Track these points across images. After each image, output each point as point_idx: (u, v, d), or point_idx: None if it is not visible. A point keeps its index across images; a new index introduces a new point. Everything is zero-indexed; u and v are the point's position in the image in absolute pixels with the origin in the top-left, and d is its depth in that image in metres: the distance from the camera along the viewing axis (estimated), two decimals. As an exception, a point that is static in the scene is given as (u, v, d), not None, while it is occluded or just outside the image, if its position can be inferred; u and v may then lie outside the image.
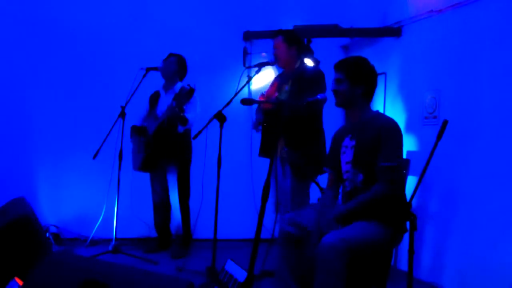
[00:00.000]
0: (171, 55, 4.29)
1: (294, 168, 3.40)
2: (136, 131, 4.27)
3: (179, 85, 4.26)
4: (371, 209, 2.44)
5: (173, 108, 3.89)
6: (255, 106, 3.69)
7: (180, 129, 4.11)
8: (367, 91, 2.60)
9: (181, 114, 3.97)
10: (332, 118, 3.66)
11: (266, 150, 3.59)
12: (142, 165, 4.20)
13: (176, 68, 4.26)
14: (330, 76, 2.74)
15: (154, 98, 4.34)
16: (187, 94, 3.84)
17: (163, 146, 4.11)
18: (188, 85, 3.95)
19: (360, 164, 2.54)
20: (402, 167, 2.54)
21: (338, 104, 2.66)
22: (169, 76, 4.26)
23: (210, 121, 3.29)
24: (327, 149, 2.93)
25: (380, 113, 2.67)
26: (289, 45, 3.52)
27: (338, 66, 2.63)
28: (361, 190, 2.52)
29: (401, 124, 4.01)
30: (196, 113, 4.16)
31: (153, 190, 4.44)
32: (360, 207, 2.45)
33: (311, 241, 2.45)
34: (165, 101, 4.21)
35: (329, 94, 2.78)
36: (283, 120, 3.28)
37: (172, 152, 4.17)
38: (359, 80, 2.57)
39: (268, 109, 3.48)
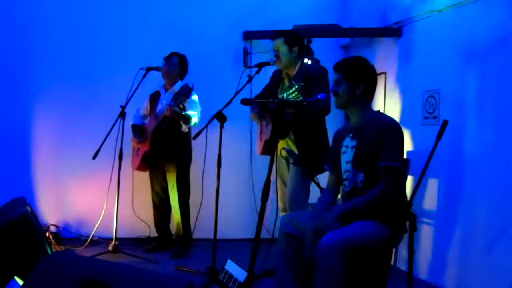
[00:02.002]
0: (173, 54, 4.27)
1: (295, 166, 3.40)
2: (136, 130, 4.27)
3: (179, 84, 4.26)
4: (371, 209, 2.44)
5: (171, 107, 3.90)
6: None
7: (184, 128, 4.10)
8: (367, 91, 2.59)
9: (183, 113, 3.97)
10: (333, 118, 3.67)
11: (267, 147, 3.59)
12: (140, 165, 4.20)
13: (177, 68, 4.25)
14: (331, 76, 2.74)
15: (154, 98, 4.34)
16: (185, 93, 3.83)
17: (162, 145, 4.11)
18: (186, 84, 3.94)
19: (361, 164, 2.55)
20: (403, 168, 2.55)
21: (337, 106, 2.65)
22: (170, 77, 4.25)
23: (210, 121, 3.29)
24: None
25: (381, 113, 2.68)
26: (290, 46, 3.52)
27: (337, 67, 2.63)
28: (361, 190, 2.52)
29: (401, 124, 4.01)
30: (197, 111, 4.15)
31: (153, 190, 4.44)
32: (362, 206, 2.45)
33: (308, 242, 2.45)
34: (164, 101, 4.21)
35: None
36: (283, 120, 3.28)
37: (172, 151, 4.17)
38: (358, 80, 2.57)
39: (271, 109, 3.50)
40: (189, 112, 4.05)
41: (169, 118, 4.02)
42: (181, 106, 3.94)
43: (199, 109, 4.17)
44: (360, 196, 2.49)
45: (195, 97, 4.16)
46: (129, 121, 4.26)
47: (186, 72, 4.33)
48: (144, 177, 4.44)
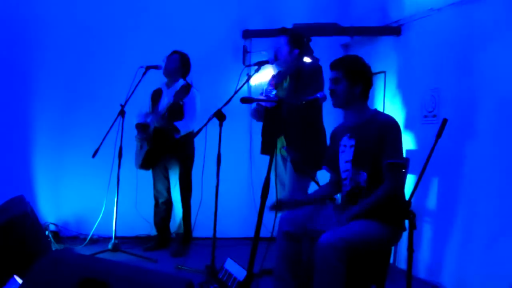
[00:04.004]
0: (174, 52, 4.29)
1: (294, 166, 3.40)
2: (140, 128, 4.27)
3: (181, 82, 4.26)
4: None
5: (163, 118, 3.96)
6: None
7: (176, 136, 4.11)
8: (364, 90, 2.60)
9: (170, 127, 4.03)
10: (332, 117, 3.66)
11: (267, 148, 3.59)
12: (143, 163, 4.20)
13: (178, 65, 4.25)
14: (328, 75, 2.73)
15: (156, 95, 4.34)
16: (183, 89, 3.83)
17: (164, 143, 4.11)
18: (185, 80, 3.93)
19: (361, 163, 2.55)
20: (405, 164, 2.56)
21: (336, 105, 2.65)
22: (170, 74, 4.25)
23: (209, 119, 3.29)
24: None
25: (378, 111, 2.68)
26: (291, 48, 3.52)
27: (335, 65, 2.62)
28: (364, 189, 2.52)
29: (401, 122, 4.00)
30: (195, 110, 4.16)
31: (155, 188, 4.43)
32: (373, 207, 2.45)
33: (306, 242, 2.45)
34: (166, 98, 4.22)
35: (328, 91, 2.77)
36: (283, 118, 3.28)
37: (174, 149, 4.17)
38: (357, 78, 2.57)
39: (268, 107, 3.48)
40: (180, 123, 4.08)
41: (160, 128, 4.05)
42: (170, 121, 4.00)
43: (198, 107, 4.17)
44: (367, 197, 2.49)
45: (195, 99, 4.17)
46: (129, 120, 4.25)
47: (187, 70, 4.33)
48: (144, 175, 4.43)
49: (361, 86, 2.58)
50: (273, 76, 3.64)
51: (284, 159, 3.56)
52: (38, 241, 2.82)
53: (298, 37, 3.60)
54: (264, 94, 3.41)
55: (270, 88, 3.46)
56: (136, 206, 4.42)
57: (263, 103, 3.56)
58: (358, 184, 2.56)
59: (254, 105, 3.66)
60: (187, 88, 3.84)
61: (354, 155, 2.58)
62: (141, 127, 4.26)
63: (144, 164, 4.22)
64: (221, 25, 4.91)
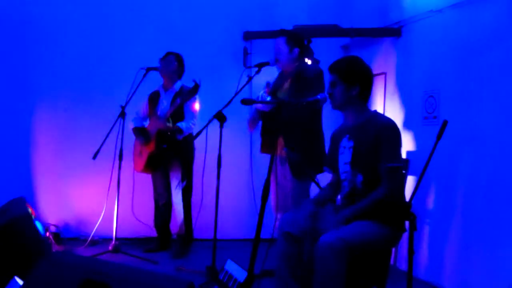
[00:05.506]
0: (168, 53, 4.30)
1: (293, 167, 3.40)
2: (138, 132, 4.26)
3: (178, 84, 4.27)
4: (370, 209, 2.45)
5: (166, 121, 4.00)
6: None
7: (179, 137, 4.12)
8: (362, 92, 2.58)
9: (174, 128, 4.05)
10: (332, 118, 3.66)
11: (267, 146, 3.59)
12: (144, 167, 4.20)
13: (175, 66, 4.27)
14: (327, 78, 2.74)
15: (154, 98, 4.34)
16: (192, 90, 3.82)
17: (168, 145, 4.11)
18: (194, 80, 3.93)
19: (359, 164, 2.55)
20: (403, 167, 2.55)
21: (334, 107, 2.65)
22: (169, 75, 4.26)
23: (210, 121, 3.29)
24: (326, 149, 2.94)
25: (378, 113, 2.67)
26: (291, 47, 3.52)
27: (332, 68, 2.62)
28: (360, 191, 2.52)
29: (401, 124, 4.02)
30: (196, 110, 4.17)
31: (155, 190, 4.43)
32: (368, 208, 2.45)
33: (307, 243, 2.45)
34: (165, 101, 4.22)
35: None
36: (283, 120, 3.28)
37: (175, 150, 4.17)
38: (353, 80, 2.56)
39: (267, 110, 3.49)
40: (182, 124, 4.10)
41: (163, 131, 4.07)
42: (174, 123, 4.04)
43: (193, 119, 4.19)
44: (364, 198, 2.48)
45: (196, 105, 4.17)
46: (129, 123, 4.26)
47: (183, 70, 4.34)
48: (144, 176, 4.43)
49: (358, 88, 2.56)
50: (267, 83, 3.63)
51: (282, 161, 3.55)
52: (38, 242, 2.82)
53: (296, 36, 3.60)
54: (259, 100, 3.41)
55: (265, 95, 3.47)
56: (131, 207, 4.38)
57: (260, 108, 3.57)
58: (355, 186, 2.56)
59: (252, 112, 3.65)
60: (194, 89, 3.82)
61: (352, 157, 2.58)
62: (139, 132, 4.26)
63: (147, 168, 4.22)
64: (222, 27, 4.91)
